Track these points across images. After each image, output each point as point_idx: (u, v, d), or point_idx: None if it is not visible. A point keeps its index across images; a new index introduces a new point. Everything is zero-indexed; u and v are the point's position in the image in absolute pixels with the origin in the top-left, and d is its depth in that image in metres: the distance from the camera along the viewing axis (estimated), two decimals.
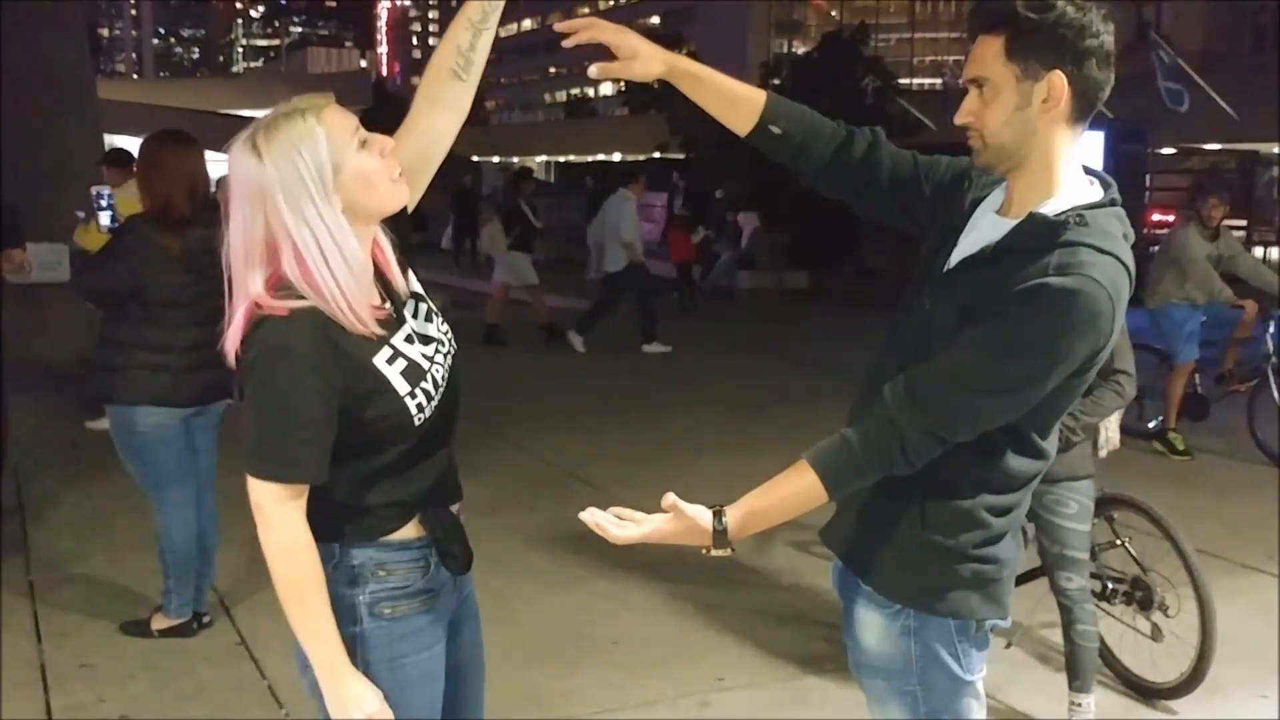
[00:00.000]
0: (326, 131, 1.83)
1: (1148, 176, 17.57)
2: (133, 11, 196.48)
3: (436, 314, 2.06)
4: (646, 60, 2.05)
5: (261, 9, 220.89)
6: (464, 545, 2.05)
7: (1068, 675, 3.77)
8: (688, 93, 2.12)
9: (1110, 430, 3.90)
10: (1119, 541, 4.03)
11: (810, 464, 1.84)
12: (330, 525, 1.93)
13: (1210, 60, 34.35)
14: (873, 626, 2.02)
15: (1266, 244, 23.96)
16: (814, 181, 2.17)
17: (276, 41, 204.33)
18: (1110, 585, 3.98)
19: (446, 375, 2.01)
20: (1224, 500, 6.44)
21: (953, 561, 1.93)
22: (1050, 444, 1.96)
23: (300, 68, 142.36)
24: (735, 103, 2.11)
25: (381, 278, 1.96)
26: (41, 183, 8.12)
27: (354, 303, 1.83)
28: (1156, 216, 18.63)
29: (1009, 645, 4.22)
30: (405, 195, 1.96)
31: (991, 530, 1.94)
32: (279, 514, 1.83)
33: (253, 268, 1.83)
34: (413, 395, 1.91)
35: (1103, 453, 3.91)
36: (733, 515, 1.86)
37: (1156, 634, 3.92)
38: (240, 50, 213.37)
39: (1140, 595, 3.93)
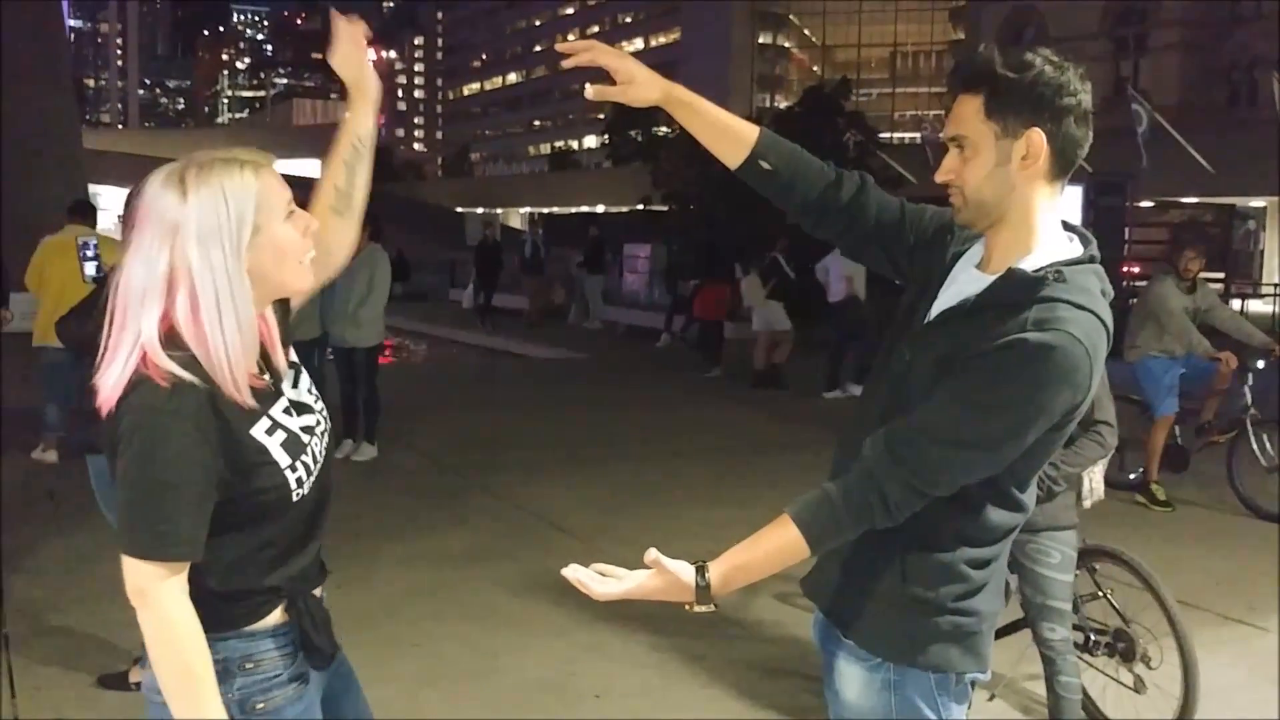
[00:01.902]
0: (259, 189, 1.79)
1: (1126, 229, 17.73)
2: (119, 62, 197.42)
3: (312, 388, 2.01)
4: (644, 85, 2.07)
5: (247, 61, 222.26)
6: (329, 638, 1.97)
7: None
8: (682, 121, 2.14)
9: (1095, 481, 3.92)
10: (1101, 593, 4.03)
11: (792, 519, 1.84)
12: (200, 616, 1.84)
13: (1187, 115, 34.90)
14: (853, 680, 2.02)
15: (1244, 296, 24.18)
16: (799, 219, 2.19)
17: (262, 93, 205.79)
18: (1093, 637, 3.98)
19: (324, 451, 1.96)
20: (1205, 551, 6.45)
21: (933, 614, 1.94)
22: (1029, 496, 1.97)
23: (285, 119, 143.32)
24: (728, 135, 2.13)
25: (263, 349, 1.91)
26: (26, 232, 8.13)
27: (236, 366, 1.76)
28: (1135, 269, 18.79)
29: (992, 698, 4.20)
30: (309, 282, 1.91)
31: (971, 583, 1.94)
32: (162, 596, 1.71)
33: (148, 305, 1.75)
34: (293, 468, 1.85)
35: (1087, 503, 3.92)
36: (715, 571, 1.85)
37: (1139, 686, 3.91)
38: (225, 101, 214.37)
39: (1123, 647, 3.93)
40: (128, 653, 4.41)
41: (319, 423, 1.97)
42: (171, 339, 1.74)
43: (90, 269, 5.04)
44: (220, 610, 1.85)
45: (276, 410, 1.87)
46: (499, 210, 57.75)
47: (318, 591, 2.02)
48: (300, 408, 1.93)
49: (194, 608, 1.80)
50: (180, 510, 1.71)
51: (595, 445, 9.46)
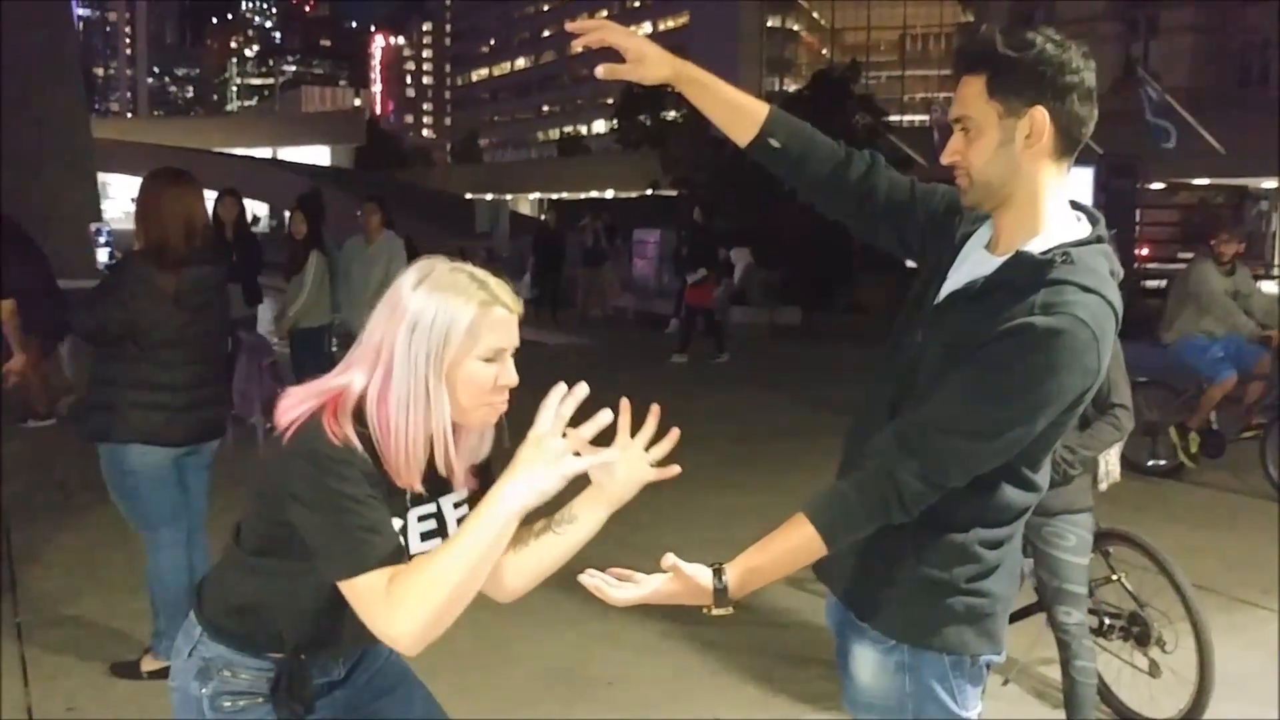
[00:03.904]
0: (474, 320, 1.81)
1: (1137, 211, 17.64)
2: (127, 51, 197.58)
3: (458, 520, 1.99)
4: (654, 63, 2.06)
5: (256, 48, 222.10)
6: (301, 703, 1.95)
7: (1066, 712, 3.74)
8: (692, 99, 2.13)
9: (1110, 463, 3.90)
10: (1115, 577, 4.02)
11: (808, 517, 1.84)
12: (211, 611, 1.95)
13: (1197, 96, 34.63)
14: (868, 663, 2.01)
15: (1258, 277, 24.06)
16: (809, 197, 2.18)
17: (270, 80, 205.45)
18: (1107, 621, 3.97)
19: None
20: (1221, 534, 6.43)
21: (946, 595, 1.93)
22: (1042, 477, 1.96)
23: (294, 107, 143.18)
24: (738, 113, 2.12)
25: (432, 468, 1.89)
26: (35, 221, 8.12)
27: (411, 454, 1.80)
28: (1145, 251, 18.70)
29: (1006, 682, 4.19)
30: (482, 422, 1.93)
31: (985, 564, 1.93)
32: (393, 594, 1.72)
33: (360, 365, 1.83)
34: None
35: (1103, 485, 3.90)
36: (732, 573, 1.85)
37: (1154, 670, 3.90)
38: (234, 89, 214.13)
39: (1137, 631, 3.91)
40: (140, 642, 4.42)
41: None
42: (360, 412, 1.79)
43: (103, 255, 5.03)
44: (225, 623, 1.93)
45: (413, 515, 1.89)
46: (509, 196, 57.59)
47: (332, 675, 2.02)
48: (428, 533, 1.93)
49: (216, 609, 1.92)
50: (372, 520, 1.76)
51: (605, 432, 9.42)
